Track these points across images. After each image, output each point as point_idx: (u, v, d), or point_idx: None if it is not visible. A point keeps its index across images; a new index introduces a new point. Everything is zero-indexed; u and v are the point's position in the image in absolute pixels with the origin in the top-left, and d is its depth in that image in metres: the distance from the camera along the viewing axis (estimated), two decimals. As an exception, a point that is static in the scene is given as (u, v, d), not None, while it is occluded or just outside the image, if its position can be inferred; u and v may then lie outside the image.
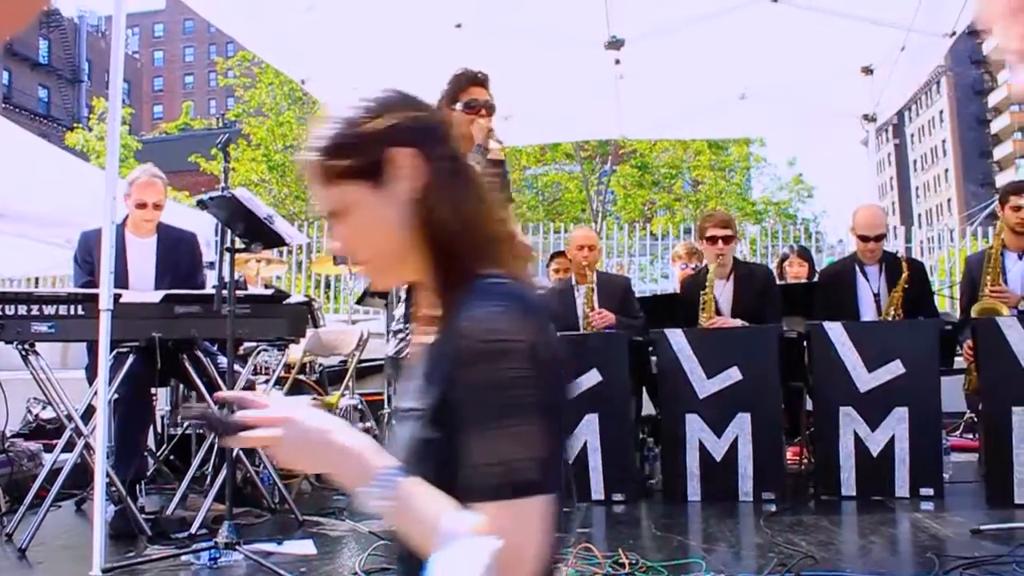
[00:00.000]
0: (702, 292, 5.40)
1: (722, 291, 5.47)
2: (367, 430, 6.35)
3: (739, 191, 23.54)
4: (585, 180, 22.35)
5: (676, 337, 4.75)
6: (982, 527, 3.81)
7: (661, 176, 22.64)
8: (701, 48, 6.60)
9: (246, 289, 5.52)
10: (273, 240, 3.96)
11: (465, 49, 6.34)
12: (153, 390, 4.67)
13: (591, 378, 4.72)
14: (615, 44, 5.98)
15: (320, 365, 6.25)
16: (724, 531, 4.14)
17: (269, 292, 4.74)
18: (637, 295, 6.19)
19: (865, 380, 4.62)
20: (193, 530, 3.87)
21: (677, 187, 22.99)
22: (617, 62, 6.50)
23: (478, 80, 4.07)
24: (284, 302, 4.33)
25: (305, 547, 3.70)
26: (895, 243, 13.72)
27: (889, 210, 71.18)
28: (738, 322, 5.24)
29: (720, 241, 5.41)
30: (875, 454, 4.59)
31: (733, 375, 4.67)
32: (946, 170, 70.09)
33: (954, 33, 5.94)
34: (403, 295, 5.64)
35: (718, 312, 5.37)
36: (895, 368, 4.60)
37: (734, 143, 22.21)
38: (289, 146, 23.82)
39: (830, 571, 3.22)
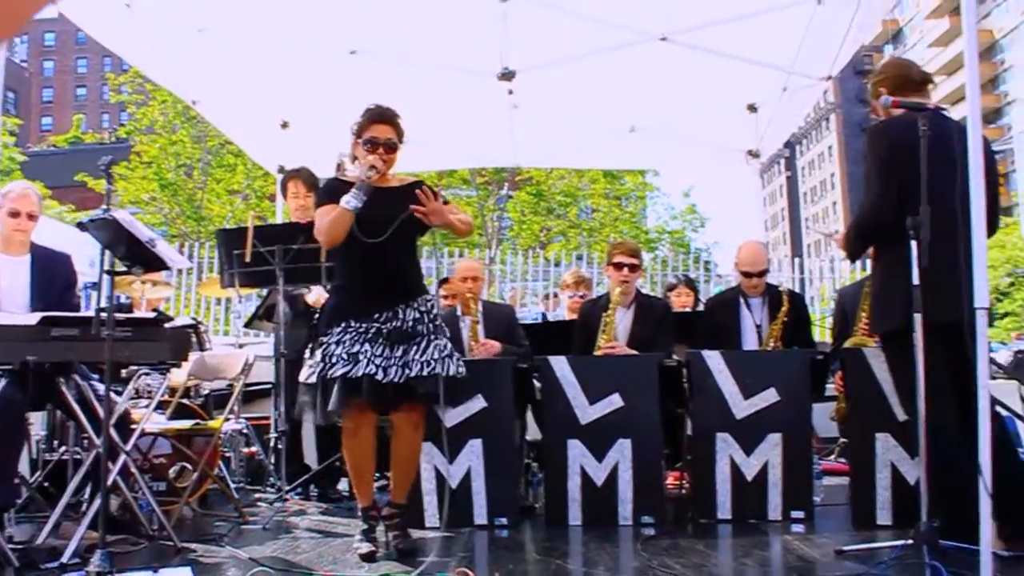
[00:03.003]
0: (604, 315, 5.55)
1: (622, 319, 5.63)
2: (252, 455, 6.30)
3: (633, 219, 24.00)
4: (480, 206, 22.50)
5: (559, 364, 4.84)
6: (845, 548, 3.98)
7: (556, 203, 22.94)
8: (593, 81, 6.79)
9: (131, 312, 5.44)
10: (155, 263, 3.94)
11: (359, 75, 6.42)
12: (28, 415, 4.54)
13: (475, 404, 4.78)
14: (507, 75, 6.09)
15: (207, 389, 6.17)
16: (603, 555, 4.22)
17: (151, 315, 4.68)
18: (531, 320, 6.29)
19: (742, 407, 4.78)
20: (64, 559, 3.78)
21: (572, 214, 23.32)
22: (510, 92, 6.62)
23: (384, 118, 4.15)
24: (167, 325, 4.28)
25: (182, 574, 3.66)
26: (785, 273, 14.25)
27: (780, 240, 73.38)
28: (632, 352, 5.39)
29: (626, 268, 5.60)
30: (750, 479, 4.75)
31: (614, 401, 4.77)
32: (834, 203, 72.65)
33: (830, 77, 6.26)
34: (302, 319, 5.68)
35: (615, 339, 5.54)
36: (770, 396, 4.77)
37: (629, 173, 22.68)
38: (182, 165, 23.43)
39: (701, 592, 3.33)
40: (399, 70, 6.46)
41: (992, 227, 3.88)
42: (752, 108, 7.35)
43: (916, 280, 3.58)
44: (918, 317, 3.58)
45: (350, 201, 3.93)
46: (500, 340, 5.58)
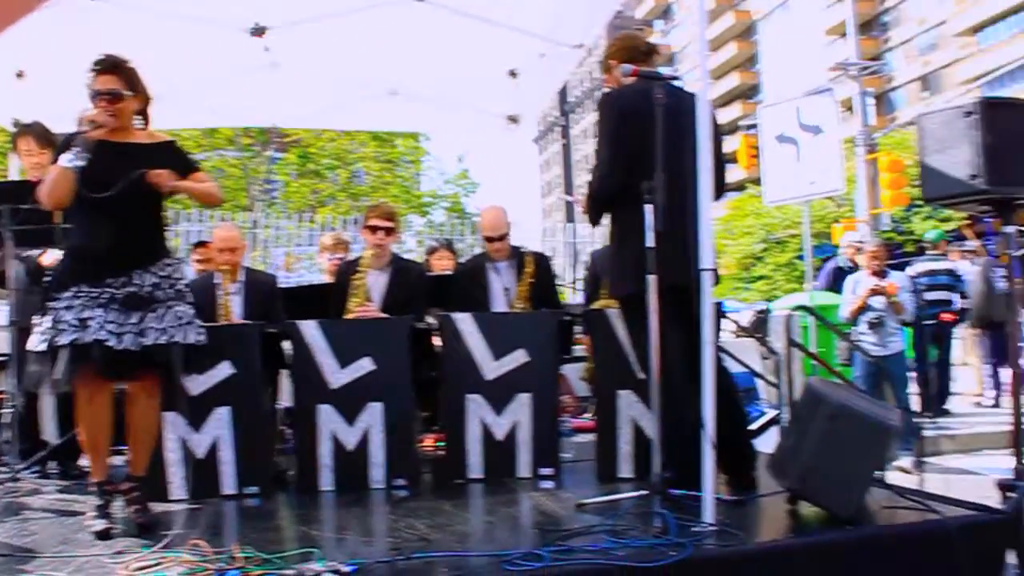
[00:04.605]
0: (352, 278, 5.50)
1: (376, 281, 5.60)
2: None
3: (406, 184, 23.92)
4: (245, 167, 21.81)
5: (309, 328, 4.75)
6: (585, 501, 4.14)
7: (324, 167, 22.52)
8: (353, 41, 6.64)
9: None
10: None
11: (103, 25, 6.01)
12: None
13: (222, 371, 4.62)
14: (259, 31, 5.89)
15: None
16: (352, 520, 4.21)
17: None
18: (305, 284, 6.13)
19: (491, 368, 4.86)
20: None
21: (343, 178, 22.99)
22: (266, 49, 6.40)
23: (105, 67, 3.91)
24: None
25: None
26: (559, 239, 14.63)
27: (555, 206, 75.25)
28: (383, 315, 5.37)
29: (381, 232, 5.56)
30: (500, 438, 4.85)
31: (365, 365, 4.74)
32: (605, 170, 75.02)
33: (582, 45, 6.42)
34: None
35: (369, 302, 5.51)
36: (519, 357, 4.87)
37: (401, 136, 22.59)
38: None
39: (442, 552, 3.36)
40: (145, 20, 6.09)
41: (717, 194, 4.10)
42: (513, 74, 7.42)
43: (649, 243, 3.73)
44: (651, 279, 3.74)
45: (72, 160, 3.69)
46: (260, 311, 5.46)
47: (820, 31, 11.81)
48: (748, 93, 53.45)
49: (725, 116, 57.59)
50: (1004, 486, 4.00)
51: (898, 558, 3.58)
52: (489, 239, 5.81)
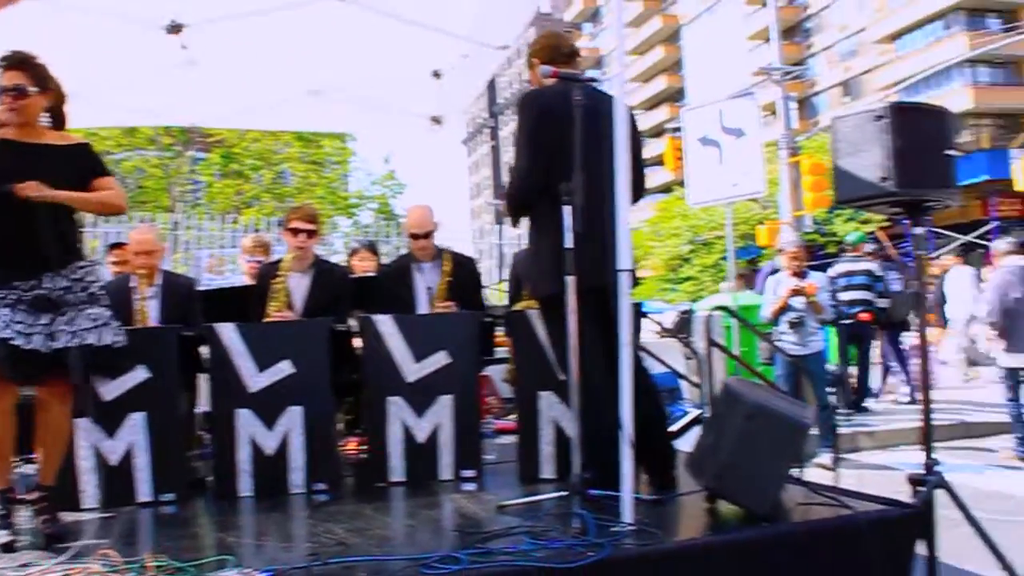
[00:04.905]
0: (272, 281, 5.44)
1: (298, 284, 5.54)
2: None
3: (332, 185, 23.69)
4: (167, 167, 21.39)
5: (226, 331, 4.67)
6: (506, 503, 4.13)
7: (248, 167, 22.19)
8: (274, 40, 6.56)
9: None
10: None
11: (17, 21, 5.84)
12: None
13: (137, 375, 4.52)
14: (175, 28, 5.77)
15: None
16: (271, 525, 4.15)
17: None
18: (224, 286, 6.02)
19: (413, 370, 4.82)
20: None
21: (268, 179, 22.68)
22: (184, 47, 6.28)
23: (8, 62, 3.80)
24: None
25: None
26: (488, 240, 14.64)
27: (484, 207, 75.34)
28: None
29: (303, 234, 5.50)
30: (422, 440, 4.81)
31: (284, 368, 4.67)
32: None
33: (506, 47, 6.42)
34: None
35: (291, 305, 5.44)
36: (441, 358, 4.84)
37: (328, 137, 22.38)
38: None
39: (359, 556, 3.32)
40: (57, 15, 5.93)
41: (636, 196, 4.13)
42: (436, 74, 7.40)
43: (568, 244, 3.74)
44: (570, 280, 3.74)
45: None
46: (177, 315, 5.36)
47: (744, 37, 11.96)
48: (675, 96, 54.02)
49: (653, 119, 58.30)
50: (915, 480, 4.09)
51: (812, 554, 3.64)
52: (414, 236, 5.79)
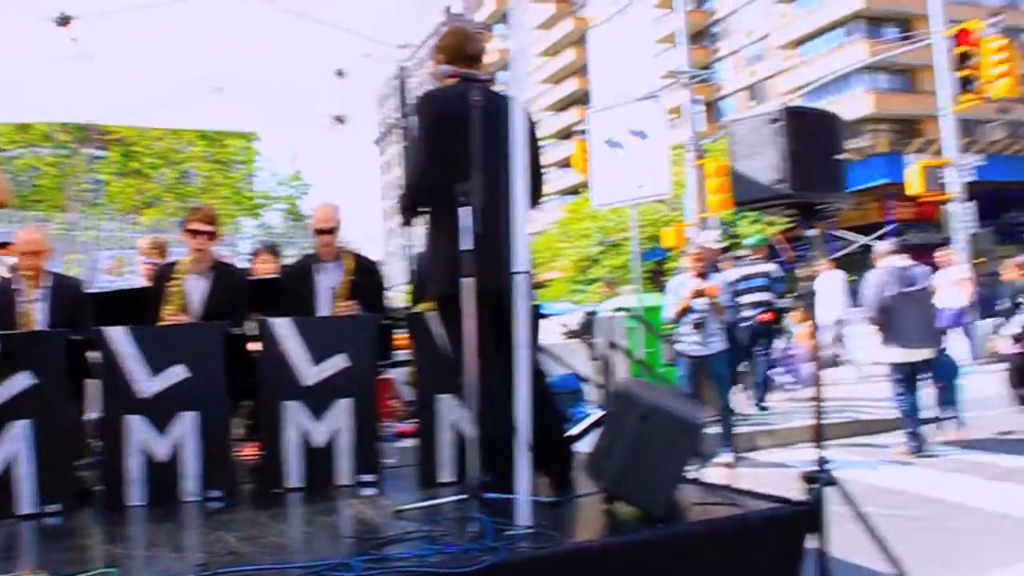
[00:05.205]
0: (168, 284, 5.30)
1: (196, 287, 5.41)
2: None
3: (237, 185, 23.26)
4: (62, 165, 20.72)
5: (117, 335, 4.53)
6: (403, 507, 4.08)
7: (146, 166, 21.62)
8: (169, 34, 6.41)
9: None
10: None
11: None
12: None
13: (21, 381, 4.36)
14: (64, 21, 5.59)
15: None
16: (161, 535, 4.03)
17: None
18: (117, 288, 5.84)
19: (311, 374, 4.74)
20: None
21: (169, 178, 22.14)
22: (74, 40, 6.08)
23: None
24: None
25: None
26: (397, 241, 14.51)
27: (396, 210, 74.84)
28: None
29: (202, 236, 5.38)
30: (320, 445, 4.73)
31: (177, 373, 4.55)
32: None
33: (407, 46, 6.38)
34: None
35: (188, 308, 5.31)
36: (339, 362, 4.77)
37: (232, 136, 21.95)
38: None
39: (251, 565, 3.25)
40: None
41: (534, 199, 4.12)
42: (340, 73, 7.31)
43: (465, 246, 3.71)
44: (467, 282, 3.71)
45: None
46: (66, 318, 5.18)
47: (652, 40, 12.11)
48: (585, 99, 54.22)
49: (563, 121, 58.70)
50: (807, 477, 4.17)
51: (706, 553, 3.68)
52: (319, 231, 5.71)
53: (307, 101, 7.85)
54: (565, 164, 27.15)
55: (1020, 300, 9.03)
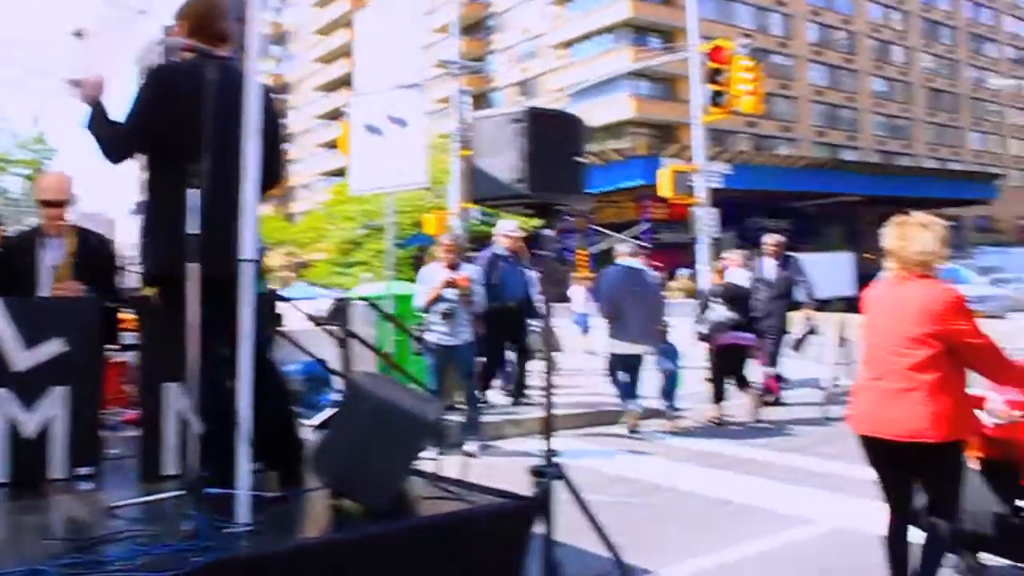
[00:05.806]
0: None
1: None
2: None
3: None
4: None
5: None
6: (118, 503, 3.84)
7: None
8: None
9: None
10: None
11: None
12: None
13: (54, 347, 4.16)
14: None
15: None
16: None
17: None
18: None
19: (22, 358, 4.36)
20: None
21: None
22: None
23: None
24: None
25: None
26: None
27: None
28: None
29: None
30: (29, 435, 4.35)
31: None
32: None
33: (145, 12, 6.02)
34: None
35: None
36: (56, 346, 4.42)
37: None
38: None
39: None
40: None
41: (270, 183, 3.97)
42: (78, 35, 6.80)
43: (191, 229, 3.51)
44: (192, 267, 3.52)
45: None
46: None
47: (422, 28, 12.06)
48: (357, 81, 53.98)
49: (332, 102, 57.89)
50: (535, 472, 4.27)
51: (432, 547, 3.67)
52: (46, 203, 5.24)
53: (45, 63, 7.27)
54: (333, 145, 26.69)
55: (710, 302, 10.09)
